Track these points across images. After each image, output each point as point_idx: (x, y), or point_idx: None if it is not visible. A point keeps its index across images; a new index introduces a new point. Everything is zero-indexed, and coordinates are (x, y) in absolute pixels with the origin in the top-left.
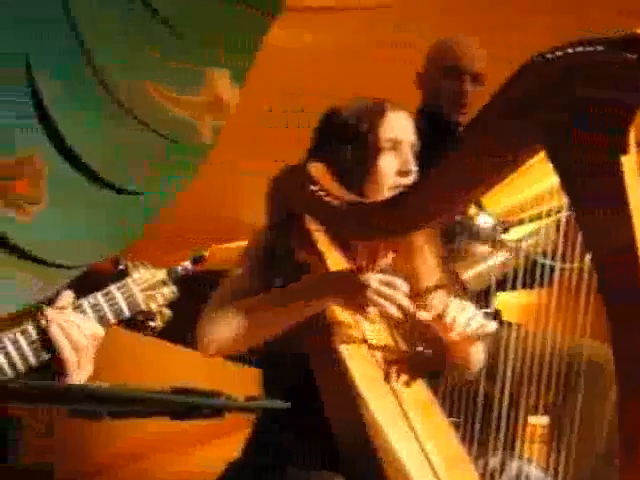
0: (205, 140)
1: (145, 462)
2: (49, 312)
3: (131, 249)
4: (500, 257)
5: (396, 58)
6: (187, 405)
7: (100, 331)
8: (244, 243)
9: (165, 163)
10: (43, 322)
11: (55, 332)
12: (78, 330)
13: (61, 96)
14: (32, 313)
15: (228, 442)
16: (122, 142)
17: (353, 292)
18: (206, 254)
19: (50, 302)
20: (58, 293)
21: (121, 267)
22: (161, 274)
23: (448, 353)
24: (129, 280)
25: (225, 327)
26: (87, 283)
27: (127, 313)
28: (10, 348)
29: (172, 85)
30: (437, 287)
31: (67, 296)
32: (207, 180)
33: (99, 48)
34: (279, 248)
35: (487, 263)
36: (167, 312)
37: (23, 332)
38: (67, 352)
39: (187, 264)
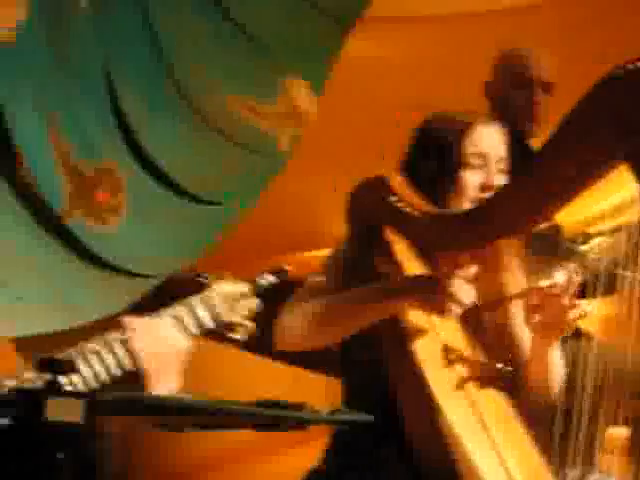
0: (283, 149)
1: (221, 473)
2: (129, 322)
3: (209, 258)
4: (574, 269)
5: (479, 70)
6: (271, 418)
7: (182, 342)
8: (321, 252)
9: (243, 172)
10: (123, 333)
11: (133, 342)
12: (158, 340)
13: (141, 108)
14: (115, 323)
15: (306, 452)
16: (201, 152)
17: (432, 293)
18: (289, 268)
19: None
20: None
21: (203, 279)
22: (244, 287)
23: (527, 372)
24: (211, 291)
25: (301, 321)
26: (168, 293)
27: (210, 324)
28: (94, 359)
29: (250, 95)
30: (521, 295)
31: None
32: (285, 190)
33: (179, 60)
34: (359, 259)
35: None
36: (251, 325)
37: (106, 343)
38: (145, 362)
39: (270, 277)
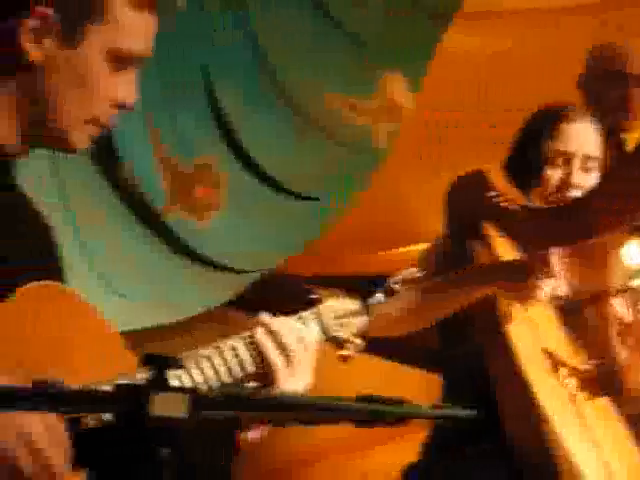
0: (380, 145)
1: (317, 467)
2: (261, 318)
3: (306, 254)
4: None
5: (572, 64)
6: (372, 413)
7: (312, 337)
8: (420, 248)
9: (341, 169)
10: (247, 332)
11: (261, 336)
12: (289, 334)
13: (240, 105)
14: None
15: (404, 446)
16: (299, 149)
17: (521, 276)
18: (397, 287)
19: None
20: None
21: (314, 295)
22: (353, 304)
23: (625, 377)
24: (321, 307)
25: (393, 307)
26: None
27: (320, 338)
28: (228, 355)
29: (348, 92)
30: (620, 291)
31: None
32: (383, 186)
33: (278, 58)
34: (457, 254)
35: None
36: (359, 342)
37: (243, 339)
38: (273, 356)
39: (379, 295)
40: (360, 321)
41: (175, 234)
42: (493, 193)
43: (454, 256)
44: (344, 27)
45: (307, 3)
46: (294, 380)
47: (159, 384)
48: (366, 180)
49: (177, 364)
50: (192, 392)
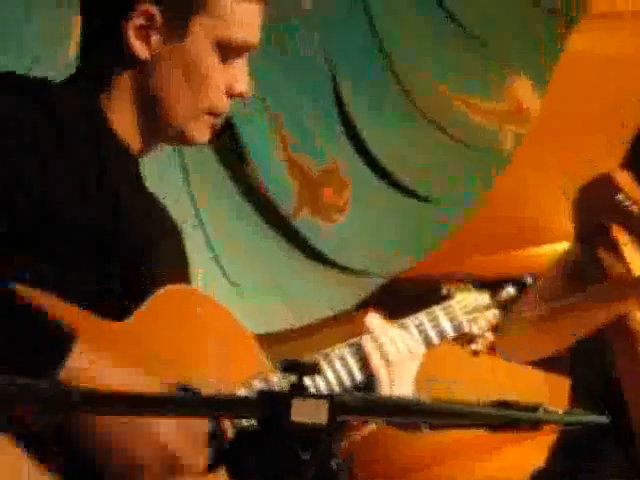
0: (505, 147)
1: (440, 468)
2: (369, 322)
3: (435, 256)
4: None
5: None
6: (506, 419)
7: (419, 349)
8: (547, 249)
9: (466, 170)
10: (356, 338)
11: (366, 344)
12: (392, 344)
13: (365, 108)
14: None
15: (533, 449)
16: (425, 151)
17: None
18: (530, 280)
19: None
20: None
21: (444, 291)
22: (485, 298)
23: None
24: (453, 302)
25: (520, 337)
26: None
27: (450, 334)
28: (337, 364)
29: (475, 93)
30: None
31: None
32: (509, 188)
33: (403, 60)
34: (586, 259)
35: None
36: (490, 337)
37: (350, 346)
38: (376, 364)
39: (510, 289)
40: (490, 315)
41: (303, 237)
42: (621, 196)
43: (584, 265)
44: (470, 29)
45: (433, 6)
46: (395, 390)
47: (299, 390)
48: (491, 181)
49: (315, 370)
50: (331, 398)
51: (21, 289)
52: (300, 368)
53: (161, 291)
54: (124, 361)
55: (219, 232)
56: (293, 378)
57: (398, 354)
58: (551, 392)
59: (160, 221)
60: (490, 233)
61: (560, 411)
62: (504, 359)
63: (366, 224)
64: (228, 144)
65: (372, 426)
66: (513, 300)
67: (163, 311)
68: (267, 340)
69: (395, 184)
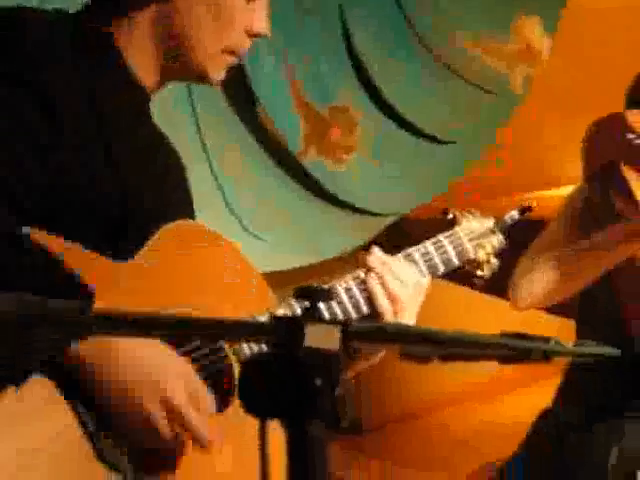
0: (517, 90)
1: (447, 412)
2: (370, 259)
3: (448, 196)
4: None
5: None
6: (518, 349)
7: (423, 282)
8: (556, 192)
9: (479, 113)
10: (362, 271)
11: (371, 280)
12: (396, 280)
13: (375, 47)
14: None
15: (537, 391)
16: (437, 93)
17: None
18: (534, 205)
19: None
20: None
21: (450, 216)
22: (489, 223)
23: None
24: (458, 229)
25: (538, 280)
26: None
27: (456, 262)
28: (344, 297)
29: (485, 34)
30: None
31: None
32: (519, 130)
33: (416, 3)
34: (597, 199)
35: None
36: (495, 262)
37: (355, 279)
38: (380, 300)
39: (515, 214)
40: (495, 240)
41: (312, 176)
42: (632, 135)
43: (597, 203)
44: None
45: None
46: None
47: (312, 316)
48: (503, 124)
49: (329, 296)
50: (344, 324)
51: (35, 233)
52: (314, 294)
53: (168, 226)
54: (136, 301)
55: (228, 171)
56: (306, 304)
57: (403, 289)
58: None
59: (165, 159)
60: (503, 176)
61: (570, 343)
62: (519, 306)
63: (376, 164)
64: (235, 80)
65: (378, 356)
66: (516, 224)
67: (171, 246)
68: (276, 279)
69: (407, 126)
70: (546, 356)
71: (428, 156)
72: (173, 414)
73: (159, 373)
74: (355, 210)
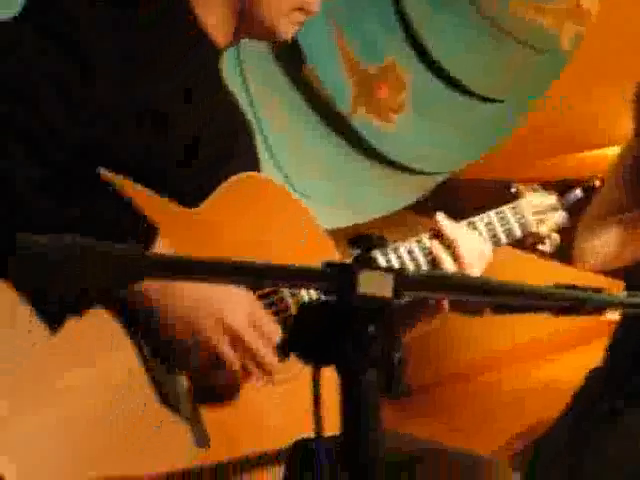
0: (565, 48)
1: (496, 373)
2: (439, 225)
3: (491, 158)
4: None
5: None
6: (571, 299)
7: (488, 251)
8: (606, 151)
9: (527, 71)
10: (425, 236)
11: (438, 246)
12: (462, 246)
13: (423, 6)
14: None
15: (587, 351)
16: (484, 51)
17: None
18: (597, 182)
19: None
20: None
21: (513, 189)
22: (552, 199)
23: None
24: (522, 202)
25: (600, 243)
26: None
27: (518, 234)
28: (406, 257)
29: None
30: None
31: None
32: (568, 89)
33: None
34: None
35: None
36: (557, 238)
37: (418, 242)
38: (447, 265)
39: (578, 192)
40: (558, 216)
41: (360, 135)
42: None
43: None
44: None
45: None
46: None
47: (366, 263)
48: (552, 83)
49: (384, 243)
50: (397, 272)
51: (106, 174)
52: (367, 241)
53: (238, 177)
54: (201, 250)
55: (278, 132)
56: (359, 251)
57: (469, 255)
58: None
59: (234, 117)
60: (553, 135)
61: (623, 294)
62: (581, 267)
63: (425, 123)
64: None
65: (438, 319)
66: (580, 203)
67: (238, 197)
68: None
69: (454, 84)
70: (599, 307)
71: (476, 115)
72: (237, 340)
73: (220, 301)
74: (403, 169)
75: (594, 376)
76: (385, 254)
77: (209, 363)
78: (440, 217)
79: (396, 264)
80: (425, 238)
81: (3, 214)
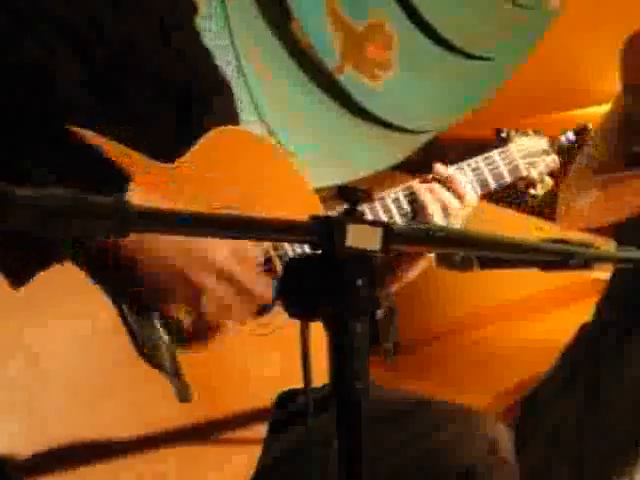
0: (552, 5)
1: (486, 330)
2: (438, 167)
3: (475, 115)
4: None
5: None
6: (559, 253)
7: (473, 198)
8: (591, 110)
9: (514, 28)
10: (413, 183)
11: (422, 192)
12: (449, 190)
13: None
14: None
15: (576, 309)
16: (472, 8)
17: None
18: (590, 125)
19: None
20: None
21: (503, 134)
22: (543, 143)
23: None
24: (511, 146)
25: (584, 203)
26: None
27: (508, 179)
28: (392, 206)
29: None
30: None
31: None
32: (553, 47)
33: None
34: (636, 112)
35: None
36: (548, 180)
37: (404, 190)
38: (430, 209)
39: (570, 134)
40: (549, 160)
41: (346, 93)
42: None
43: (636, 114)
44: None
45: None
46: None
47: (354, 216)
48: (537, 41)
49: (370, 197)
50: (385, 225)
51: (76, 129)
52: (354, 194)
53: (215, 131)
54: (177, 200)
55: (264, 88)
56: (347, 205)
57: (454, 201)
58: None
59: (214, 75)
60: (538, 94)
61: (612, 248)
62: (565, 226)
63: (412, 81)
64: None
65: (422, 265)
66: (572, 147)
67: (218, 150)
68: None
69: (441, 42)
70: (587, 261)
71: (462, 73)
72: (222, 274)
73: (203, 242)
74: (390, 127)
75: (588, 323)
76: (372, 207)
77: (194, 307)
78: (434, 163)
79: (383, 216)
80: (414, 185)
81: (52, 111)
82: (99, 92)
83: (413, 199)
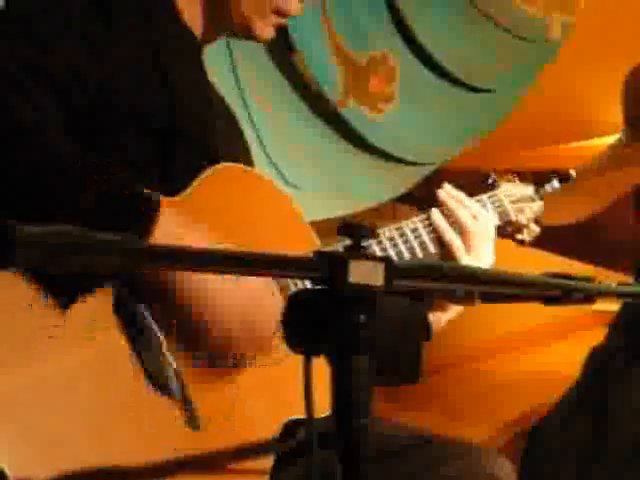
0: (553, 37)
1: (487, 362)
2: (442, 193)
3: (478, 147)
4: None
5: None
6: (562, 288)
7: (492, 226)
8: (593, 143)
9: (515, 61)
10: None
11: (436, 215)
12: (466, 212)
13: None
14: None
15: (579, 341)
16: (473, 41)
17: None
18: (573, 173)
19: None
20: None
21: (490, 180)
22: (529, 190)
23: None
24: (499, 191)
25: (565, 199)
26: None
27: (497, 221)
28: (410, 237)
29: None
30: None
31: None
32: (555, 79)
33: None
34: (633, 142)
35: None
36: (535, 228)
37: (422, 220)
38: (448, 234)
39: (555, 183)
40: (536, 206)
41: (349, 125)
42: None
43: (630, 148)
44: None
45: None
46: (476, 261)
47: (356, 252)
48: (539, 73)
49: (373, 233)
50: (388, 261)
51: None
52: (357, 230)
53: (222, 166)
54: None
55: (266, 120)
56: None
57: (474, 222)
58: None
59: (220, 110)
60: (538, 126)
61: (614, 283)
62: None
63: (414, 114)
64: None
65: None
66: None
67: (219, 187)
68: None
69: (444, 74)
70: (588, 296)
71: (462, 105)
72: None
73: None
74: (392, 159)
75: (598, 348)
76: (380, 242)
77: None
78: (444, 186)
79: (402, 246)
80: (432, 214)
81: (38, 162)
82: (82, 135)
83: (433, 229)
